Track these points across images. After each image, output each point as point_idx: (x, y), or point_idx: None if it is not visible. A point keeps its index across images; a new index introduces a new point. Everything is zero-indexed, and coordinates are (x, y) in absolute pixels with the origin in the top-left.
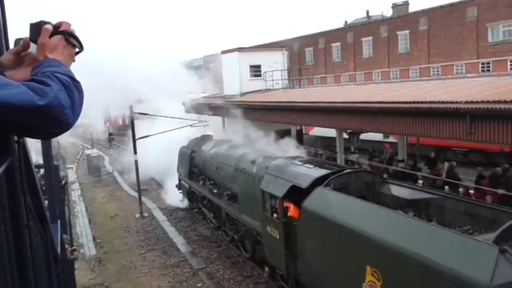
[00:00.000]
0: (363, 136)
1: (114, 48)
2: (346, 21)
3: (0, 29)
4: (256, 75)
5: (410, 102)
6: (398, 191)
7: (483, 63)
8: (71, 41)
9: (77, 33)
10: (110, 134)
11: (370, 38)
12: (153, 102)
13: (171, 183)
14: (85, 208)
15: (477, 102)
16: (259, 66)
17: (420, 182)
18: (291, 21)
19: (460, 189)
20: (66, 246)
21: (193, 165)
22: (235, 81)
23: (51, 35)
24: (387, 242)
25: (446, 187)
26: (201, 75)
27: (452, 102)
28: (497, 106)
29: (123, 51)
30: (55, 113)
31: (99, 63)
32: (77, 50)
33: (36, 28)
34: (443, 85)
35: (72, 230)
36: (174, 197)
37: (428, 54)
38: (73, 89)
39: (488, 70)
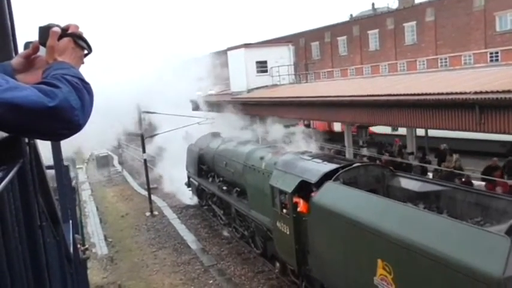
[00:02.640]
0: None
1: (119, 46)
2: (351, 15)
3: (9, 33)
4: (262, 71)
5: (418, 94)
6: (408, 183)
7: (491, 53)
8: (80, 43)
9: (85, 35)
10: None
11: (377, 30)
12: (161, 100)
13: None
14: (96, 208)
15: (486, 92)
16: (265, 62)
17: (430, 174)
18: (297, 16)
19: (474, 182)
20: (78, 245)
21: (202, 162)
22: (242, 77)
23: (60, 37)
24: (398, 235)
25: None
26: (208, 72)
27: (461, 93)
28: (507, 96)
29: (128, 49)
30: (65, 114)
31: (105, 61)
32: (86, 52)
33: (45, 31)
34: (451, 76)
35: (84, 230)
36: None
37: (435, 45)
38: (83, 90)
39: (497, 60)
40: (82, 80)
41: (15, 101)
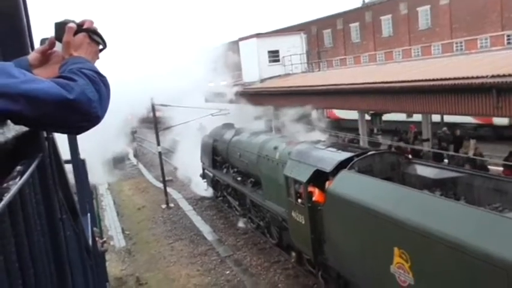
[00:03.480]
0: (385, 117)
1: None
2: (364, 0)
3: (25, 29)
4: (274, 61)
5: (434, 80)
6: (423, 170)
7: (509, 36)
8: (95, 38)
9: (99, 31)
10: (133, 132)
11: (390, 16)
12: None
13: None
14: (112, 201)
15: (504, 76)
16: (277, 52)
17: (446, 161)
18: (308, 4)
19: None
20: (97, 238)
21: (216, 154)
22: (254, 67)
23: (75, 33)
24: (414, 222)
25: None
26: (221, 63)
27: (477, 78)
28: None
29: (140, 43)
30: (82, 106)
31: (118, 54)
32: (101, 47)
33: (61, 27)
34: (467, 60)
35: (101, 223)
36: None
37: (450, 29)
38: (99, 83)
39: None
40: (98, 73)
41: (34, 93)
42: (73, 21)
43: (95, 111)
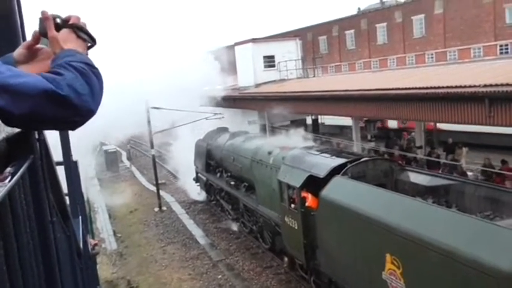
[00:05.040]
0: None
1: (127, 41)
2: (359, 8)
3: (19, 30)
4: (270, 66)
5: (427, 88)
6: (416, 177)
7: (501, 46)
8: (81, 35)
9: (88, 27)
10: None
11: (385, 24)
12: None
13: None
14: (104, 203)
15: (496, 85)
16: (273, 57)
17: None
18: (304, 10)
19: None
20: (90, 241)
21: (210, 158)
22: (250, 72)
23: (60, 28)
24: (407, 229)
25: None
26: (216, 67)
27: (470, 86)
28: None
29: (136, 45)
30: (72, 101)
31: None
32: (90, 44)
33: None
34: (460, 69)
35: (93, 225)
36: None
37: (444, 38)
38: (90, 75)
39: (507, 52)
40: (89, 65)
41: (19, 87)
42: (59, 17)
43: (86, 105)
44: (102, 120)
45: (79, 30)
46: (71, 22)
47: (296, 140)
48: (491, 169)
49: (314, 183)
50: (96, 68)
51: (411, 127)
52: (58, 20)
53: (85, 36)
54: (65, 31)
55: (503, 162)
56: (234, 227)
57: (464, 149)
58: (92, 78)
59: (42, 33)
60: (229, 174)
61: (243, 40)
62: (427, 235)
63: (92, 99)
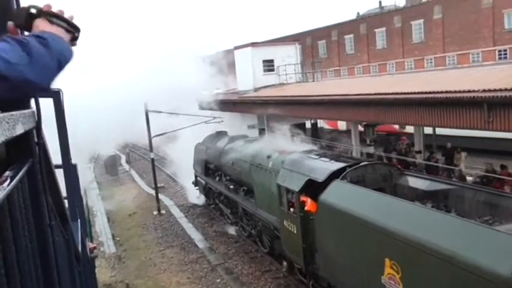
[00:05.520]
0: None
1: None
2: (358, 13)
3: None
4: (269, 70)
5: (426, 93)
6: (415, 182)
7: (500, 51)
8: (55, 21)
9: (65, 15)
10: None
11: (384, 28)
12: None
13: None
14: (103, 207)
15: (495, 90)
16: (272, 61)
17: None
18: (303, 15)
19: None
20: (89, 244)
21: (209, 161)
22: (249, 76)
23: (34, 18)
24: (406, 234)
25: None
26: (215, 71)
27: (469, 91)
28: None
29: (135, 48)
30: (2, 72)
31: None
32: (72, 32)
33: (21, 13)
34: (459, 74)
35: (92, 229)
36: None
37: (443, 43)
38: (29, 44)
39: (506, 57)
40: (39, 37)
41: None
42: (34, 6)
43: (17, 75)
44: (99, 127)
45: (52, 16)
46: (43, 10)
47: (295, 144)
48: (494, 174)
49: (313, 188)
50: (43, 37)
51: (392, 131)
52: (33, 10)
53: (61, 23)
54: (38, 20)
55: (503, 167)
56: (232, 230)
57: (463, 154)
58: (31, 47)
59: (17, 25)
60: (228, 178)
61: (242, 44)
62: (426, 240)
63: (30, 69)
